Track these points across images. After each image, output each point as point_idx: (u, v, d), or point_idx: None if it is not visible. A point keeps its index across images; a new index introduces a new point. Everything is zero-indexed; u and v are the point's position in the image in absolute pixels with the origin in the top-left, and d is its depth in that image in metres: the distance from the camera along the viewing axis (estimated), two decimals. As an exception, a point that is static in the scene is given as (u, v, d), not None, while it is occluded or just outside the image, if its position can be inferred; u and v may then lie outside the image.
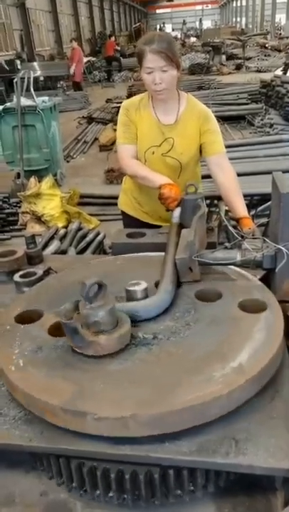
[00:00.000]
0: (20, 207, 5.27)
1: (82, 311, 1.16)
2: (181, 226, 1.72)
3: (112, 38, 21.91)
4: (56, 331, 1.27)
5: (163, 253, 1.58)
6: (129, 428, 0.99)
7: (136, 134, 2.19)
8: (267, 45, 22.98)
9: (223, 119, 9.06)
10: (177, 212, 1.83)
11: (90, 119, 10.55)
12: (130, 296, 1.33)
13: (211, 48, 18.93)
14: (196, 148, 2.21)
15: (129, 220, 2.50)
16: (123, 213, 2.57)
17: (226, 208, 2.96)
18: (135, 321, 1.26)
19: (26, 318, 1.37)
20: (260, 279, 1.53)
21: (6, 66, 14.35)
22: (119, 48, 22.88)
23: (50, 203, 4.96)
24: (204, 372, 1.08)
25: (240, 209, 2.08)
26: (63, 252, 3.68)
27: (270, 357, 1.11)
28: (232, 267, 1.53)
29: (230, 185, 2.15)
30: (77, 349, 1.16)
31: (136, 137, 2.19)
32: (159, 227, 2.11)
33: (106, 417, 1.00)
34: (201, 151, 2.24)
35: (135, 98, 2.28)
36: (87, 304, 1.15)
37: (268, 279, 1.55)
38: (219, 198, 3.55)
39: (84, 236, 4.14)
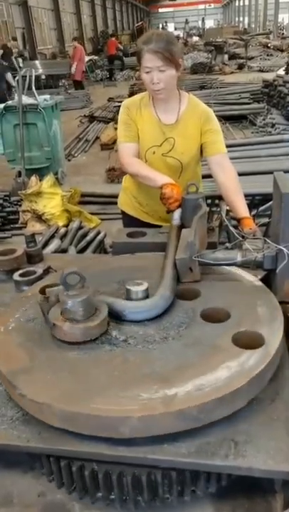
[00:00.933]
0: (21, 205, 5.26)
1: (60, 297, 1.23)
2: (182, 228, 1.69)
3: (114, 38, 21.88)
4: None
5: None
6: (43, 414, 1.05)
7: (137, 132, 2.18)
8: (269, 45, 22.97)
9: (224, 119, 9.06)
10: (178, 214, 1.81)
11: (92, 118, 10.54)
12: (129, 295, 1.33)
13: (213, 48, 18.90)
14: (197, 148, 2.20)
15: (129, 220, 2.48)
16: (123, 213, 2.55)
17: (227, 207, 2.95)
18: (122, 319, 1.29)
19: None
20: (261, 280, 1.52)
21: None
22: (122, 47, 22.84)
23: (50, 201, 4.95)
24: (131, 389, 1.03)
25: (242, 209, 2.06)
26: (64, 251, 3.67)
27: (206, 400, 0.99)
28: (252, 278, 1.49)
29: (231, 185, 2.12)
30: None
31: (137, 136, 2.18)
32: (159, 227, 2.10)
33: (24, 395, 1.06)
34: (201, 151, 2.23)
35: (136, 97, 2.27)
36: (65, 291, 1.22)
37: (268, 280, 1.55)
38: (220, 198, 3.54)
39: (84, 235, 4.14)
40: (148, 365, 1.12)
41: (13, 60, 14.13)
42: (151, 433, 0.99)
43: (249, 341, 1.16)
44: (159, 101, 2.14)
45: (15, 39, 16.23)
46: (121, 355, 1.17)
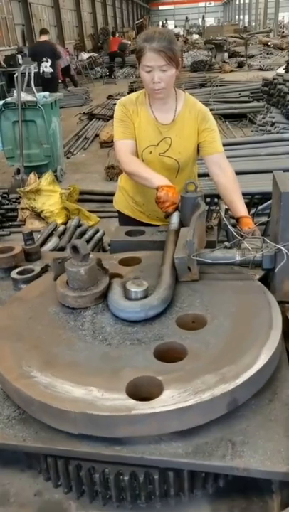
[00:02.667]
0: (19, 203, 5.25)
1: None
2: (179, 232, 1.67)
3: (117, 35, 21.78)
4: None
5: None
6: None
7: (134, 129, 2.15)
8: (269, 43, 22.91)
9: (224, 117, 9.07)
10: (176, 217, 1.78)
11: (91, 116, 10.52)
12: (128, 295, 1.32)
13: (213, 46, 18.90)
14: (194, 147, 2.18)
15: (125, 220, 2.45)
16: (119, 213, 2.52)
17: (226, 206, 2.95)
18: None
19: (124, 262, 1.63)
20: (260, 279, 1.52)
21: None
22: (129, 43, 22.66)
23: (49, 199, 4.94)
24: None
25: (240, 208, 2.05)
26: (62, 249, 3.67)
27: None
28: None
29: (229, 185, 2.11)
30: None
31: (134, 133, 2.15)
32: (157, 226, 2.09)
33: None
34: (198, 150, 2.21)
35: (131, 95, 2.24)
36: (70, 259, 1.39)
37: (267, 279, 1.54)
38: (219, 197, 3.54)
39: (83, 233, 4.13)
40: (62, 348, 1.21)
41: None
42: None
43: (150, 389, 1.09)
44: (156, 100, 2.11)
45: None
46: (65, 330, 1.29)
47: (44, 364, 1.15)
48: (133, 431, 1.00)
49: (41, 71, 10.04)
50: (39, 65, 9.70)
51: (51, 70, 10.29)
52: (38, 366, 1.15)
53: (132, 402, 1.00)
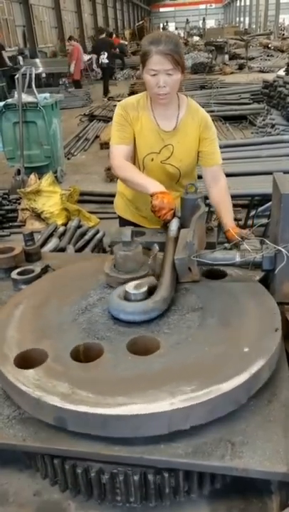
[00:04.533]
0: (19, 203, 5.25)
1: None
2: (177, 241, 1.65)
3: (114, 36, 21.78)
4: None
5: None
6: None
7: (132, 135, 2.08)
8: (270, 46, 22.92)
9: (224, 119, 9.07)
10: (174, 224, 1.75)
11: (92, 117, 10.52)
12: (128, 297, 1.33)
13: (213, 48, 18.90)
14: (195, 155, 2.15)
15: (126, 225, 2.39)
16: (120, 218, 2.47)
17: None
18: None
19: None
20: (260, 281, 1.52)
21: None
22: (126, 43, 22.70)
23: (49, 200, 4.93)
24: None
25: (228, 221, 1.97)
26: (62, 250, 3.67)
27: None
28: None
29: (221, 199, 2.08)
30: None
31: (132, 139, 2.09)
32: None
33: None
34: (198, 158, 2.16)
35: (133, 98, 2.16)
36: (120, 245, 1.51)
37: (267, 280, 1.54)
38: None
39: (83, 234, 4.13)
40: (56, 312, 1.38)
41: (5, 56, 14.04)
42: None
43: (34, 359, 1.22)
44: (159, 105, 2.05)
45: None
46: (78, 299, 1.44)
47: (34, 304, 1.42)
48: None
49: (100, 62, 13.65)
50: (99, 57, 13.59)
51: (107, 61, 13.66)
52: (29, 304, 1.42)
53: (10, 366, 1.16)
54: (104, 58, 13.60)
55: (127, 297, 1.33)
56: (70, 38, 15.48)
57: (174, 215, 1.81)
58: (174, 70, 1.90)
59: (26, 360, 1.18)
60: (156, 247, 1.61)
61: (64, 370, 1.13)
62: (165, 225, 1.83)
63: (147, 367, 1.13)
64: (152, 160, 2.11)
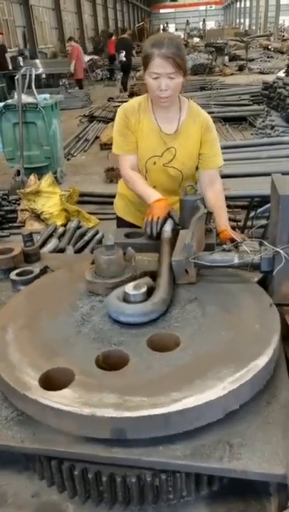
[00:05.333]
0: (19, 204, 5.25)
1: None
2: (173, 241, 1.66)
3: (114, 37, 21.83)
4: None
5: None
6: None
7: (135, 142, 2.09)
8: (270, 47, 22.91)
9: (224, 120, 9.08)
10: (169, 225, 1.76)
11: (92, 118, 10.53)
12: (128, 299, 1.33)
13: (214, 49, 18.92)
14: (197, 157, 2.14)
15: (124, 226, 2.36)
16: (119, 219, 2.46)
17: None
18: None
19: None
20: (258, 282, 1.52)
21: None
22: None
23: (49, 200, 4.94)
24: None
25: (222, 223, 2.00)
26: (61, 251, 3.67)
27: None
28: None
29: (217, 202, 2.07)
30: None
31: (136, 146, 2.09)
32: None
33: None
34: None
35: (134, 102, 2.15)
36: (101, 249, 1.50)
37: (265, 282, 1.54)
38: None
39: (82, 235, 4.13)
40: (51, 329, 1.31)
41: (7, 57, 14.18)
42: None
43: (59, 379, 1.14)
44: (160, 108, 2.04)
45: (1, 33, 15.86)
46: (67, 309, 1.39)
47: (24, 322, 1.35)
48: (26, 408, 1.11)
49: (119, 59, 14.93)
50: (119, 55, 14.88)
51: (124, 59, 14.85)
52: (19, 323, 1.34)
53: (35, 385, 1.10)
54: (122, 56, 14.77)
55: (126, 299, 1.33)
56: (70, 39, 15.58)
57: (168, 217, 1.81)
58: (176, 74, 1.89)
59: (50, 381, 1.11)
60: (132, 250, 1.65)
61: (99, 382, 1.09)
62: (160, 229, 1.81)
63: (179, 361, 1.15)
64: (154, 163, 2.10)
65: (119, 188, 2.43)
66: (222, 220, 2.02)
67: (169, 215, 1.81)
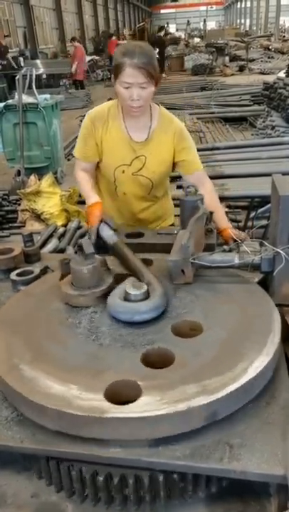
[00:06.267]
0: (19, 204, 5.25)
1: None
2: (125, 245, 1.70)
3: (114, 37, 21.85)
4: None
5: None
6: None
7: (95, 152, 2.07)
8: (270, 47, 22.91)
9: (225, 120, 9.09)
10: (106, 230, 1.79)
11: (92, 118, 10.53)
12: (128, 298, 1.33)
13: (214, 49, 18.93)
14: (169, 165, 2.10)
15: None
16: None
17: (226, 209, 2.96)
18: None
19: None
20: (259, 282, 1.52)
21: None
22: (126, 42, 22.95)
23: (49, 201, 4.94)
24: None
25: (222, 222, 1.99)
26: (61, 251, 3.67)
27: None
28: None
29: (212, 202, 2.01)
30: None
31: (95, 156, 2.08)
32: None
33: None
34: (174, 167, 2.13)
35: (103, 107, 2.08)
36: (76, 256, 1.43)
37: (266, 282, 1.54)
38: (219, 200, 3.54)
39: (83, 235, 4.13)
40: (56, 346, 1.24)
41: (10, 58, 14.25)
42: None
43: (128, 392, 1.07)
44: (131, 117, 1.99)
45: (8, 36, 16.01)
46: (62, 327, 1.32)
47: (33, 358, 1.18)
48: (103, 433, 1.00)
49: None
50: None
51: (157, 56, 15.72)
52: (28, 360, 1.18)
53: (106, 404, 1.01)
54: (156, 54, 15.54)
55: (129, 299, 1.33)
56: (73, 39, 15.59)
57: (101, 222, 1.84)
58: (148, 83, 1.85)
59: (115, 397, 1.05)
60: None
61: (164, 381, 1.07)
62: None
63: (215, 340, 1.21)
64: (123, 172, 2.06)
65: None
66: (221, 218, 2.01)
67: (102, 221, 1.84)
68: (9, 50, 16.22)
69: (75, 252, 1.49)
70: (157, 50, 15.43)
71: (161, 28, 18.17)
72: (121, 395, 1.05)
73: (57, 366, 1.15)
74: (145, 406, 1.00)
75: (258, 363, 1.11)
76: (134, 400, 1.02)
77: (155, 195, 2.18)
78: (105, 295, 1.38)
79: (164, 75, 15.72)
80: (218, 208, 2.06)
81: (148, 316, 1.29)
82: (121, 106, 2.01)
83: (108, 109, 2.05)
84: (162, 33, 16.84)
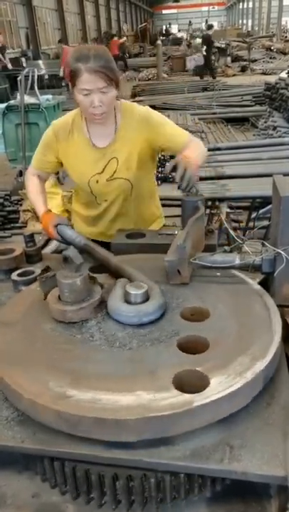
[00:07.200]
0: (21, 205, 5.26)
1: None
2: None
3: (116, 38, 21.89)
4: None
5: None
6: None
7: (54, 165, 2.04)
8: (272, 48, 22.91)
9: (226, 121, 9.09)
10: (68, 232, 1.76)
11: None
12: (128, 299, 1.33)
13: (216, 50, 18.93)
14: (148, 158, 1.99)
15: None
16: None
17: (228, 210, 2.96)
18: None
19: None
20: (260, 283, 1.52)
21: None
22: (126, 43, 22.97)
23: (51, 201, 4.91)
24: (45, 375, 1.14)
25: (187, 150, 1.79)
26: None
27: (88, 415, 1.00)
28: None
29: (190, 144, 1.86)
30: None
31: (52, 168, 2.07)
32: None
33: None
34: (162, 150, 2.02)
35: (68, 117, 1.99)
36: (61, 272, 1.35)
37: (267, 283, 1.54)
38: (220, 200, 3.54)
39: (84, 235, 4.13)
40: (82, 362, 1.18)
41: (2, 58, 14.07)
42: (37, 419, 1.07)
43: (194, 383, 1.07)
44: (95, 124, 1.89)
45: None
46: (74, 344, 1.25)
47: (74, 381, 1.09)
48: (192, 424, 1.01)
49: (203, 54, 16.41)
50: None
51: (205, 53, 16.19)
52: (69, 384, 1.08)
53: (186, 396, 1.02)
54: (202, 51, 16.53)
55: (128, 300, 1.33)
56: (60, 41, 15.29)
57: (57, 225, 1.79)
58: (108, 87, 1.74)
59: (184, 386, 1.06)
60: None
61: (224, 361, 1.12)
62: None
63: (231, 322, 1.27)
64: (97, 182, 1.98)
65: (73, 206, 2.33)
66: (188, 148, 1.80)
67: (59, 224, 1.79)
68: (10, 51, 16.19)
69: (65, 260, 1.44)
70: (205, 47, 15.93)
71: (210, 27, 18.09)
72: (187, 385, 1.07)
73: (108, 382, 1.09)
74: (219, 385, 1.04)
75: (278, 328, 1.22)
76: (203, 386, 1.04)
77: (139, 196, 2.06)
78: (102, 303, 1.37)
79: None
80: (193, 145, 1.86)
81: (155, 316, 1.30)
82: (85, 116, 1.90)
83: (72, 120, 1.96)
84: (211, 32, 16.68)
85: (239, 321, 1.27)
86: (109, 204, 2.07)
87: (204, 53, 16.18)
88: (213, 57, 17.30)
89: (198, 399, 1.01)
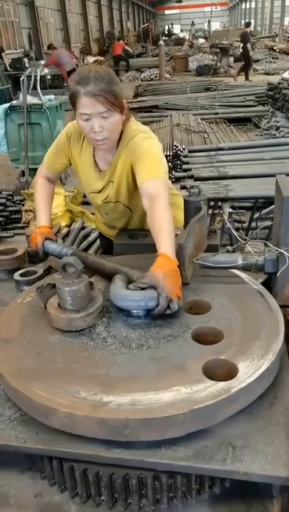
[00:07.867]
0: (23, 205, 5.27)
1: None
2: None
3: (121, 41, 21.92)
4: None
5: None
6: None
7: (65, 165, 1.99)
8: (275, 48, 22.87)
9: (229, 121, 9.07)
10: (52, 246, 1.79)
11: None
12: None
13: (218, 50, 18.93)
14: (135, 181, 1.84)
15: (104, 240, 2.33)
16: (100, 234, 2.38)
17: (230, 210, 2.95)
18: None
19: None
20: (262, 283, 1.52)
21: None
22: (130, 50, 22.96)
23: (53, 201, 4.94)
24: (73, 385, 1.10)
25: (160, 246, 1.44)
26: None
27: (132, 417, 0.98)
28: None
29: (155, 219, 1.53)
30: None
31: (62, 167, 2.02)
32: None
33: None
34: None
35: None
36: (60, 280, 1.33)
37: (269, 283, 1.54)
38: (223, 200, 3.54)
39: (86, 235, 4.14)
40: (105, 367, 1.15)
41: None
42: (73, 431, 1.02)
43: (223, 371, 1.11)
44: (98, 149, 1.81)
45: None
46: (90, 350, 1.22)
47: (105, 387, 1.07)
48: (232, 410, 1.04)
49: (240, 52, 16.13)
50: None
51: (241, 50, 15.91)
52: (102, 391, 1.06)
53: (222, 384, 1.05)
54: (239, 48, 16.34)
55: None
56: (50, 47, 15.06)
57: (44, 240, 1.82)
58: (110, 112, 1.62)
59: (214, 376, 1.09)
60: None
61: (243, 347, 1.17)
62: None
63: (239, 312, 1.33)
64: (94, 199, 1.99)
65: None
66: (160, 242, 1.45)
67: (45, 239, 1.82)
68: (12, 51, 16.20)
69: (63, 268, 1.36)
70: (241, 44, 15.62)
71: (248, 24, 18.05)
72: (216, 374, 1.10)
73: (140, 382, 1.08)
74: (248, 369, 1.09)
75: (279, 314, 1.29)
76: (232, 373, 1.08)
77: (140, 218, 1.99)
78: (104, 307, 1.37)
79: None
80: (164, 227, 1.49)
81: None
82: (87, 139, 1.81)
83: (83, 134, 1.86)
84: (248, 29, 16.53)
85: (241, 312, 1.32)
86: (112, 218, 2.07)
87: (241, 50, 15.78)
88: (215, 58, 17.32)
89: (236, 384, 1.04)
